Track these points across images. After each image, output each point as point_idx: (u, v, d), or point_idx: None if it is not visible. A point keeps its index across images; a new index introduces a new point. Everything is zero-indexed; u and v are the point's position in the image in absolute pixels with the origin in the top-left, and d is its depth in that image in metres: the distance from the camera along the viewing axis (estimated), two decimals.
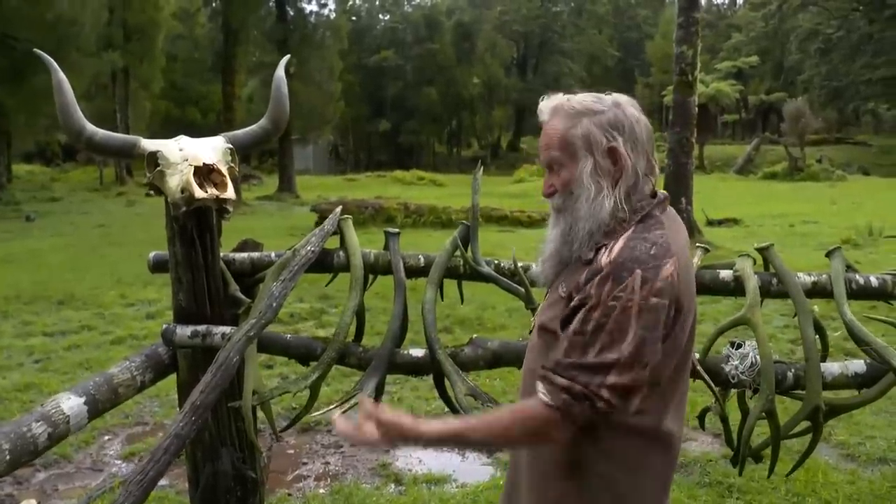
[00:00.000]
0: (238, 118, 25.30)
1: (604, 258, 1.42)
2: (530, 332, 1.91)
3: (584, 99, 1.52)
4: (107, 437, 4.46)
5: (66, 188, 27.99)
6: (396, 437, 1.42)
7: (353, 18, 50.01)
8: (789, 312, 6.98)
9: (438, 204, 17.04)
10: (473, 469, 4.00)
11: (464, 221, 2.66)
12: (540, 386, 1.41)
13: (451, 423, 1.45)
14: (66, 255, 12.07)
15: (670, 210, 1.58)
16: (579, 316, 1.40)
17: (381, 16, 56.67)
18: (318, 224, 15.55)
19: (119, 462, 4.15)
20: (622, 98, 1.53)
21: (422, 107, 48.70)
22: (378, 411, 1.42)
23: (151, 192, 2.38)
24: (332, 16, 34.54)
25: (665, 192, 1.57)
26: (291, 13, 29.25)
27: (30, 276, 9.84)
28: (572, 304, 1.43)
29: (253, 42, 28.90)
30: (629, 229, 1.47)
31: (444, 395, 2.47)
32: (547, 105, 1.56)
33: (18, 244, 13.80)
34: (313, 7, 71.87)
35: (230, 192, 2.16)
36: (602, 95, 1.53)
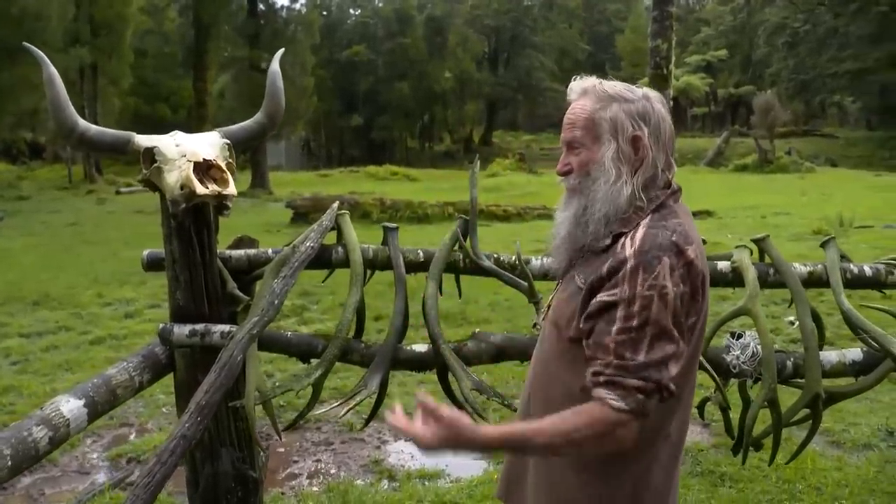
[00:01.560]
0: (209, 114, 25.04)
1: (627, 248, 1.43)
2: (534, 325, 1.90)
3: (616, 85, 1.54)
4: (92, 440, 4.38)
5: (35, 186, 27.41)
6: (453, 439, 1.36)
7: (325, 13, 49.71)
8: (767, 302, 7.06)
9: (414, 199, 17.00)
10: (466, 464, 3.99)
11: (462, 216, 2.65)
12: (607, 392, 1.39)
13: (514, 427, 1.41)
14: (39, 254, 11.84)
15: (682, 203, 1.59)
16: (619, 314, 1.39)
17: (352, 10, 56.30)
18: (293, 220, 15.48)
19: (105, 464, 4.09)
20: (652, 93, 1.55)
21: (394, 101, 48.50)
22: (439, 409, 1.35)
23: (146, 188, 2.33)
24: (304, 10, 34.30)
25: (678, 184, 1.58)
26: (262, 8, 28.93)
27: (1, 276, 9.63)
28: (601, 298, 1.42)
29: (224, 37, 28.63)
30: (645, 218, 1.48)
31: (447, 389, 2.46)
32: (578, 85, 1.57)
33: None
34: (284, 2, 71.25)
35: (232, 188, 2.12)
36: (633, 87, 1.55)
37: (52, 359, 5.93)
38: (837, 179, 25.67)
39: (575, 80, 1.58)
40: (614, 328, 1.39)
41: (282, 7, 32.40)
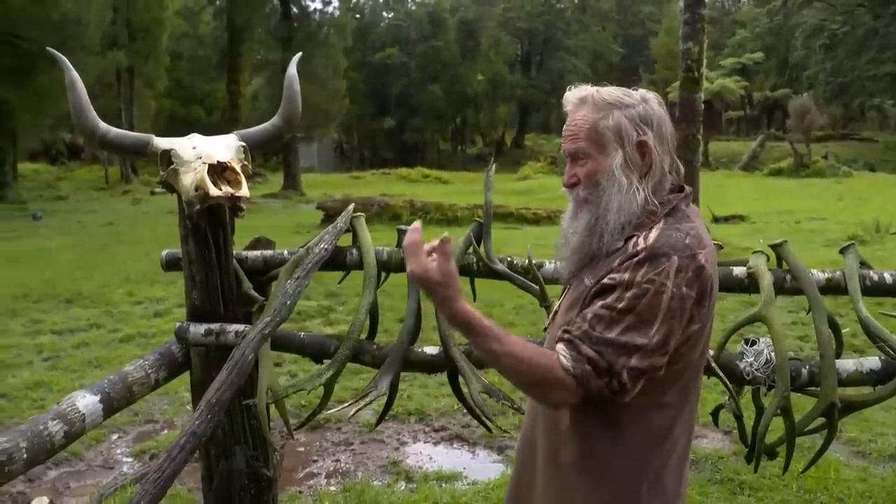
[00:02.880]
0: (243, 116, 25.35)
1: (639, 245, 1.43)
2: (545, 328, 1.90)
3: (613, 91, 1.53)
4: (117, 435, 4.47)
5: (72, 187, 28.04)
6: (435, 284, 1.39)
7: (357, 16, 50.02)
8: (797, 309, 6.96)
9: (444, 201, 17.04)
10: (484, 466, 4.00)
11: (477, 219, 2.65)
12: (563, 348, 1.41)
13: (483, 321, 1.43)
14: (74, 253, 12.10)
15: (693, 206, 1.58)
16: (614, 294, 1.40)
17: (384, 13, 56.61)
18: (323, 222, 15.62)
19: (130, 460, 4.17)
20: (649, 94, 1.55)
21: (426, 104, 48.65)
22: (450, 258, 1.39)
23: (164, 189, 2.37)
24: (336, 13, 34.58)
25: (689, 187, 1.58)
26: (295, 11, 29.28)
27: (38, 274, 9.86)
28: (604, 281, 1.43)
29: (257, 40, 29.00)
30: (660, 221, 1.48)
31: (458, 392, 2.47)
32: (574, 95, 1.55)
33: (26, 243, 13.83)
34: (317, 5, 71.83)
35: (244, 191, 2.15)
36: (630, 91, 1.54)
37: (83, 356, 6.05)
38: (875, 184, 25.19)
39: (570, 90, 1.57)
40: (601, 303, 1.41)
41: (314, 10, 32.76)
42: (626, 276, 1.40)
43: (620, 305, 1.39)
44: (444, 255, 1.39)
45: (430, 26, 49.65)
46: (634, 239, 1.46)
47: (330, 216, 15.59)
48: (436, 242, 1.41)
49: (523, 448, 1.76)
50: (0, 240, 14.52)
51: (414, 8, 55.14)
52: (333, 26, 31.84)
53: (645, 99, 1.52)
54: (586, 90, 1.55)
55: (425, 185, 30.16)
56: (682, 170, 1.59)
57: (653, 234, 1.44)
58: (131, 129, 24.78)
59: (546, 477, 1.63)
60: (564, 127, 1.56)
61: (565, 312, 1.58)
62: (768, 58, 50.43)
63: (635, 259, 1.41)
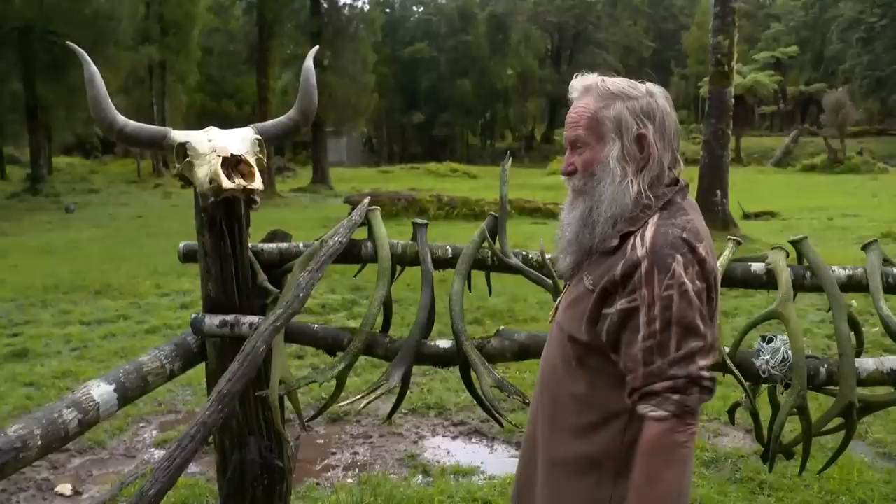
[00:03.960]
0: (272, 110, 25.51)
1: (638, 248, 1.40)
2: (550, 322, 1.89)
3: (618, 82, 1.51)
4: (140, 425, 4.54)
5: (105, 180, 28.48)
6: None
7: (387, 11, 50.15)
8: (826, 307, 6.84)
9: (471, 196, 17.02)
10: (502, 461, 3.99)
11: (493, 213, 2.64)
12: (645, 408, 1.38)
13: None
14: (104, 245, 12.29)
15: (689, 198, 1.56)
16: (642, 319, 1.37)
17: (414, 8, 56.74)
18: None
19: (152, 449, 4.23)
20: (656, 89, 1.52)
21: (455, 99, 48.67)
22: None
23: (182, 182, 2.39)
24: (366, 8, 34.76)
25: (686, 179, 1.56)
26: (325, 6, 29.42)
27: (69, 266, 10.04)
28: (621, 306, 1.40)
29: (287, 35, 29.15)
30: (654, 216, 1.46)
31: (470, 386, 2.47)
32: (580, 83, 1.54)
33: (58, 235, 14.08)
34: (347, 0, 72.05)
35: (258, 183, 2.16)
36: (636, 83, 1.52)
37: (110, 346, 6.15)
38: None
39: (576, 77, 1.56)
40: (640, 335, 1.38)
41: (344, 5, 32.91)
42: (644, 292, 1.37)
43: (658, 326, 1.36)
44: None
45: (460, 21, 49.64)
46: (632, 240, 1.43)
47: None
48: None
49: (526, 446, 1.75)
50: (34, 232, 14.83)
51: (443, 2, 55.14)
52: (363, 21, 31.96)
53: (650, 93, 1.50)
54: (592, 79, 1.53)
55: (454, 179, 30.16)
56: (682, 166, 1.57)
57: (649, 234, 1.41)
58: (163, 123, 25.09)
59: (546, 475, 1.62)
60: (567, 114, 1.55)
61: (565, 310, 1.57)
62: (803, 52, 49.64)
63: (643, 269, 1.38)
